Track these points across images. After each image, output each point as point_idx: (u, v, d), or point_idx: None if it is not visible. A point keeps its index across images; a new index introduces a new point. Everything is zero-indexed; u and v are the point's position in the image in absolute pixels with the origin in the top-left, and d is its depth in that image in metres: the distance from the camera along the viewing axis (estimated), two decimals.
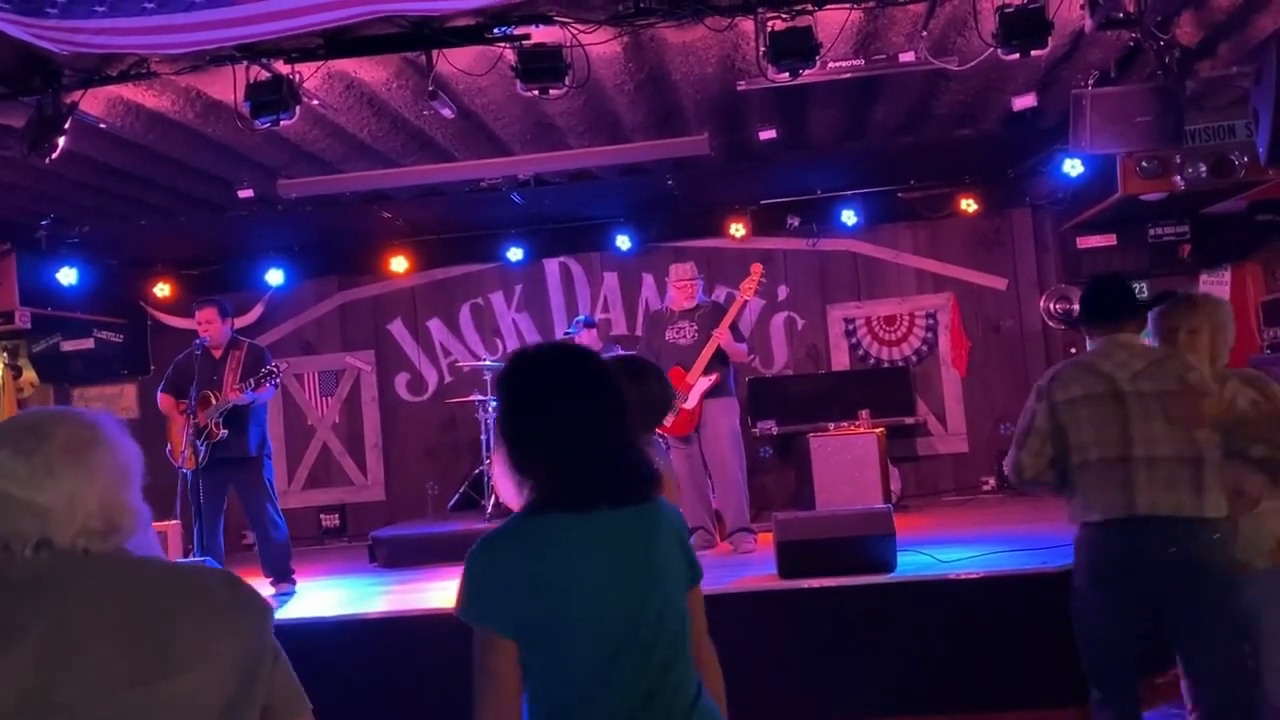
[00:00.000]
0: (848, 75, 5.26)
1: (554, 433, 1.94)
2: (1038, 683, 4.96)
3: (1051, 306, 8.52)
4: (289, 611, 5.77)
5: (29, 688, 1.45)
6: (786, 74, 4.79)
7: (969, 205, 8.43)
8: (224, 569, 1.75)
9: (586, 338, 8.09)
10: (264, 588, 6.25)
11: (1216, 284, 7.98)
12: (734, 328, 6.54)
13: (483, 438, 7.90)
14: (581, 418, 1.94)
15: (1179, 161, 6.33)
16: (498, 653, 1.87)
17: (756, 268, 6.73)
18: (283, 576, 6.25)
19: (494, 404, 1.97)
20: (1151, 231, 8.00)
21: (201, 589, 1.63)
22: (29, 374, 8.73)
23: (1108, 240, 8.15)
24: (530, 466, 1.95)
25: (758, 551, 6.27)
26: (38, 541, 1.53)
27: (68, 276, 7.96)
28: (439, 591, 5.74)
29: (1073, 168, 7.22)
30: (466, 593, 1.91)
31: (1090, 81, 5.34)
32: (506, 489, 2.08)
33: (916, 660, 5.00)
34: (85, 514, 1.54)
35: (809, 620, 5.13)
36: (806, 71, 4.78)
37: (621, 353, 3.46)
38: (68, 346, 8.64)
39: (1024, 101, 5.84)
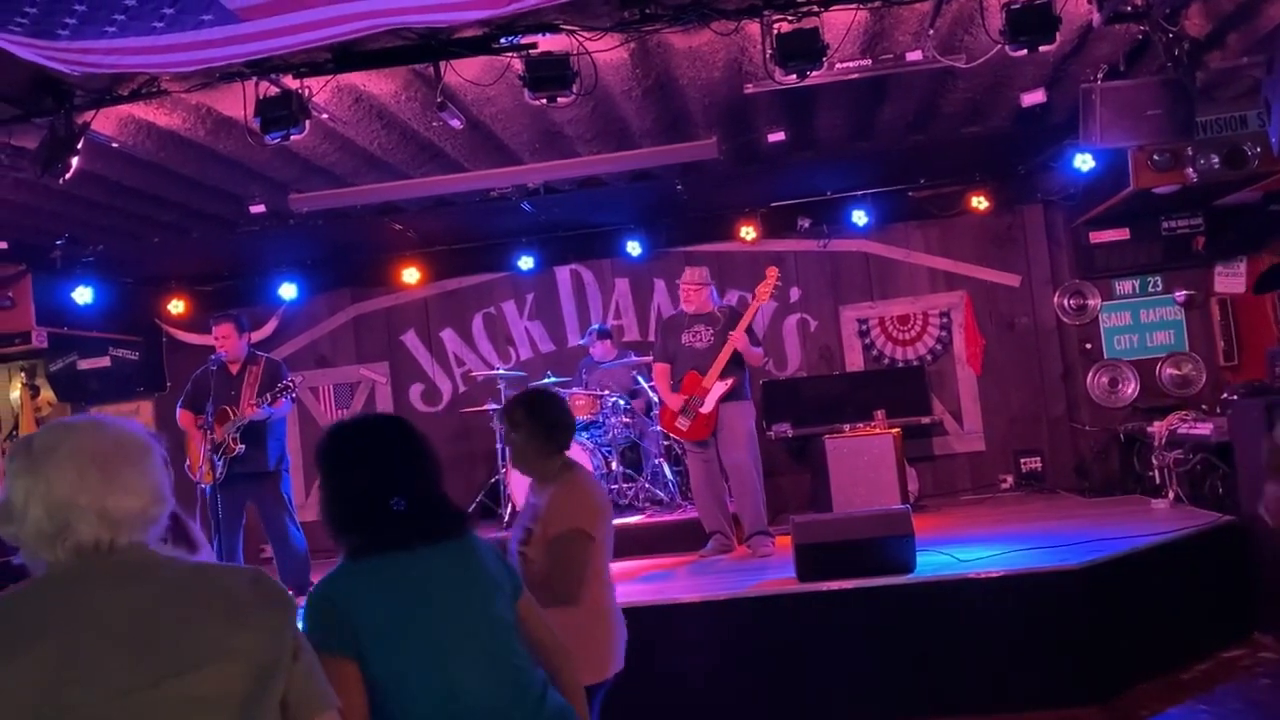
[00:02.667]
0: (855, 76, 5.25)
1: (373, 488, 2.27)
2: (1060, 681, 4.94)
3: (1065, 302, 8.48)
4: None
5: (45, 686, 1.49)
6: (794, 76, 4.79)
7: (980, 203, 8.41)
8: (253, 566, 1.79)
9: (601, 348, 8.11)
10: None
11: (1231, 276, 7.94)
12: (749, 331, 6.53)
13: (498, 447, 7.91)
14: (394, 475, 2.30)
15: (1191, 154, 6.29)
16: (345, 680, 2.07)
17: (772, 271, 6.70)
18: (302, 589, 6.26)
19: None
20: (1165, 225, 7.97)
21: (223, 586, 1.68)
22: (46, 393, 8.79)
23: (1121, 234, 8.12)
24: (355, 518, 2.26)
25: (776, 555, 6.25)
26: (59, 542, 1.60)
27: (83, 295, 8.01)
28: None
29: (1084, 162, 7.19)
30: (313, 627, 2.13)
31: (1099, 76, 5.32)
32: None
33: (937, 660, 4.98)
34: (34, 518, 1.60)
35: (829, 622, 5.12)
36: (814, 73, 4.78)
37: (523, 388, 3.74)
38: (84, 365, 8.69)
39: (1033, 97, 5.82)
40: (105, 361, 8.71)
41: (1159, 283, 8.33)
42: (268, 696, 1.63)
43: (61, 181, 4.94)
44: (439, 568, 2.28)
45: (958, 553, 5.61)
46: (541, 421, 3.22)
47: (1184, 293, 8.22)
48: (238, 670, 1.59)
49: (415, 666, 2.17)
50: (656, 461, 7.74)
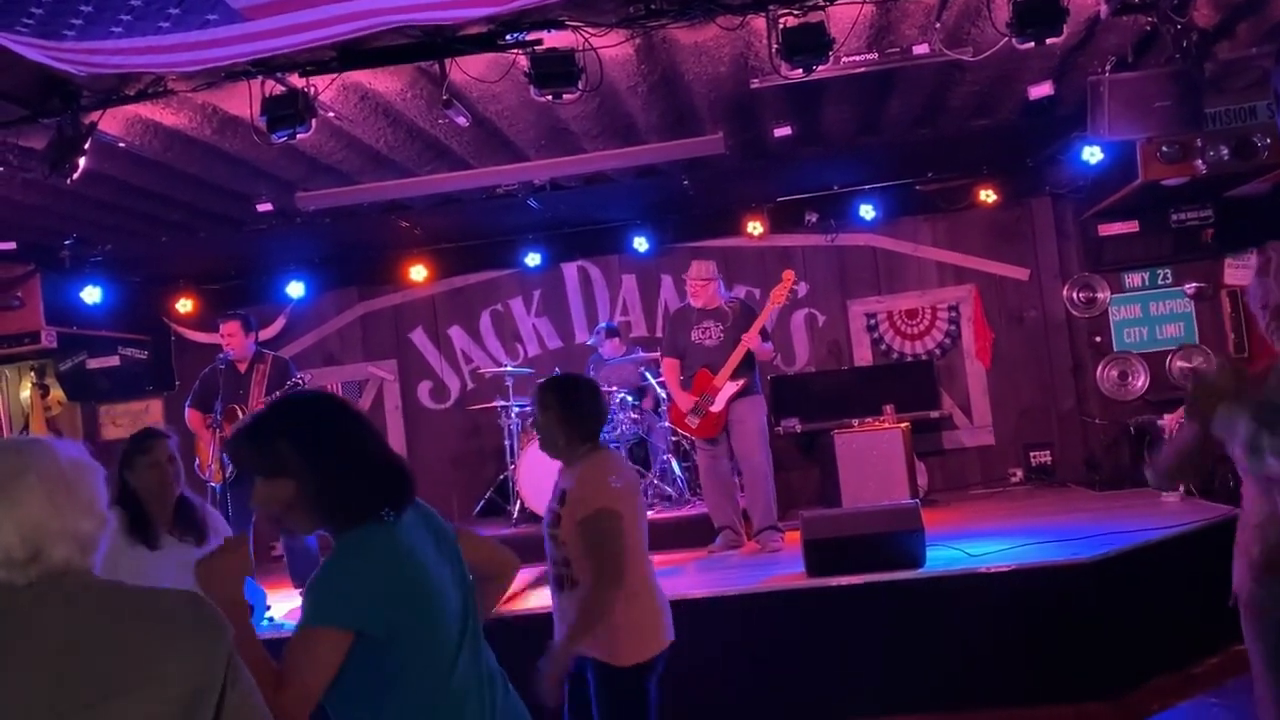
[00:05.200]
0: (862, 70, 5.23)
1: (365, 452, 2.15)
2: (1072, 675, 4.93)
3: (1075, 295, 8.45)
4: None
5: None
6: (800, 70, 4.78)
7: (988, 196, 8.38)
8: (188, 590, 1.74)
9: (610, 346, 8.11)
10: (295, 598, 6.28)
11: (1241, 268, 7.90)
12: (760, 329, 6.51)
13: (506, 443, 7.91)
14: (375, 438, 2.20)
15: (1200, 145, 6.27)
16: (340, 654, 1.98)
17: (789, 274, 6.65)
18: None
19: (291, 436, 2.13)
20: (1174, 217, 7.94)
21: (158, 611, 1.65)
22: (56, 393, 8.82)
23: (1130, 227, 8.09)
24: (350, 485, 2.09)
25: (785, 550, 6.25)
26: (30, 567, 1.57)
27: (91, 295, 8.04)
28: None
29: (1092, 155, 7.16)
30: (332, 598, 2.03)
31: (1107, 68, 5.30)
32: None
33: (948, 655, 4.97)
34: (5, 544, 1.57)
35: (838, 618, 5.11)
36: (820, 67, 4.76)
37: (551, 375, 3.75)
38: (93, 364, 8.72)
39: (1040, 90, 5.80)
40: (114, 360, 8.74)
41: (1169, 275, 8.30)
42: None
43: (69, 182, 4.94)
44: (432, 536, 2.21)
45: (968, 547, 5.60)
46: (571, 408, 3.24)
47: (1194, 285, 8.18)
48: (168, 695, 1.56)
49: (431, 641, 2.09)
50: (665, 458, 7.74)
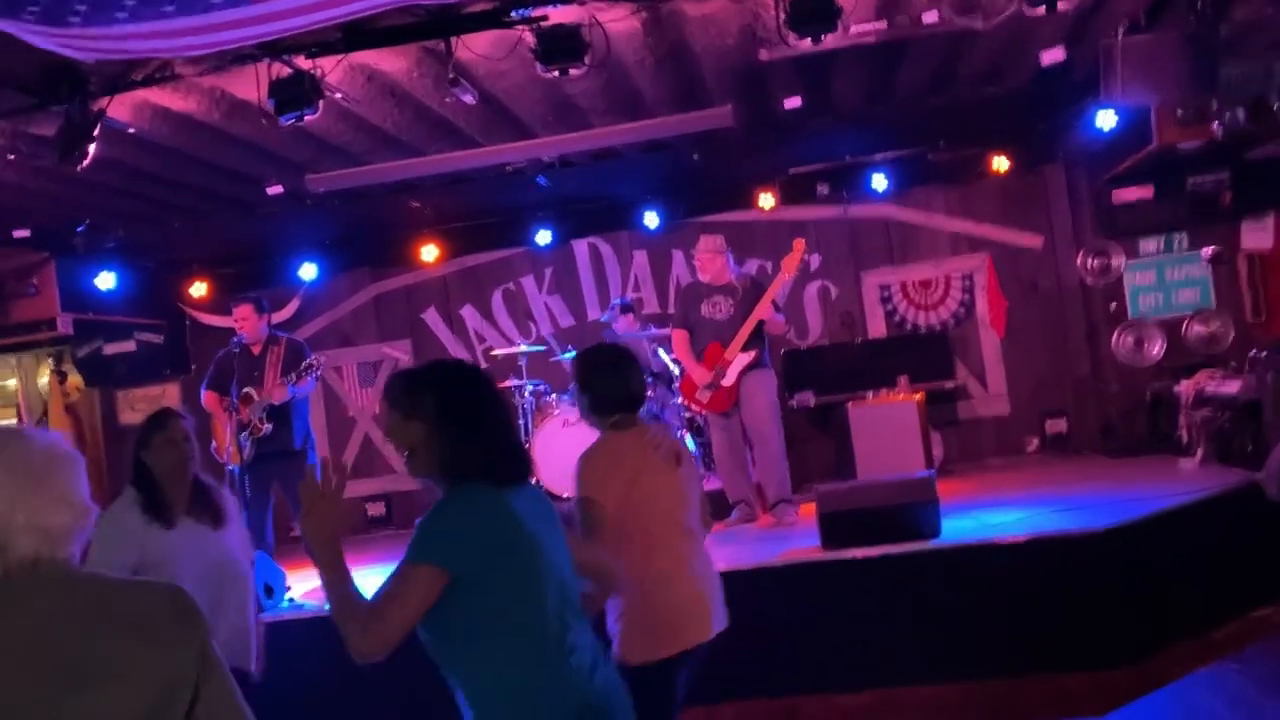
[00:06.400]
0: (871, 39, 5.19)
1: (501, 423, 2.45)
2: (1089, 644, 4.92)
3: (1089, 262, 8.39)
4: None
5: None
6: (809, 40, 4.74)
7: (1001, 164, 8.30)
8: (169, 583, 1.73)
9: (624, 322, 8.10)
10: (314, 578, 6.33)
11: (1259, 231, 7.82)
12: (772, 300, 6.49)
13: (520, 422, 7.93)
14: (506, 419, 2.51)
15: (1216, 108, 6.18)
16: (430, 591, 2.17)
17: (799, 244, 6.60)
18: None
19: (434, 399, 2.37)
20: (1191, 181, 7.83)
21: (134, 603, 1.64)
22: (74, 379, 8.89)
23: (1145, 192, 8.00)
24: (467, 448, 2.31)
25: (800, 523, 6.25)
26: None
27: (106, 281, 8.08)
28: None
29: (1106, 120, 7.07)
30: (429, 538, 2.23)
31: (1120, 31, 5.23)
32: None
33: (965, 625, 4.98)
34: (21, 532, 1.57)
35: (855, 590, 5.12)
36: (829, 37, 4.72)
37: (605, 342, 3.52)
38: (110, 350, 8.76)
39: (1053, 55, 5.73)
40: (130, 345, 8.77)
41: (1184, 240, 8.22)
42: (171, 715, 1.59)
43: (80, 168, 4.97)
44: (543, 509, 2.41)
45: (984, 517, 5.59)
46: (586, 380, 3.20)
47: (1211, 249, 8.10)
48: (140, 688, 1.56)
49: (526, 593, 2.24)
50: (678, 433, 7.74)
